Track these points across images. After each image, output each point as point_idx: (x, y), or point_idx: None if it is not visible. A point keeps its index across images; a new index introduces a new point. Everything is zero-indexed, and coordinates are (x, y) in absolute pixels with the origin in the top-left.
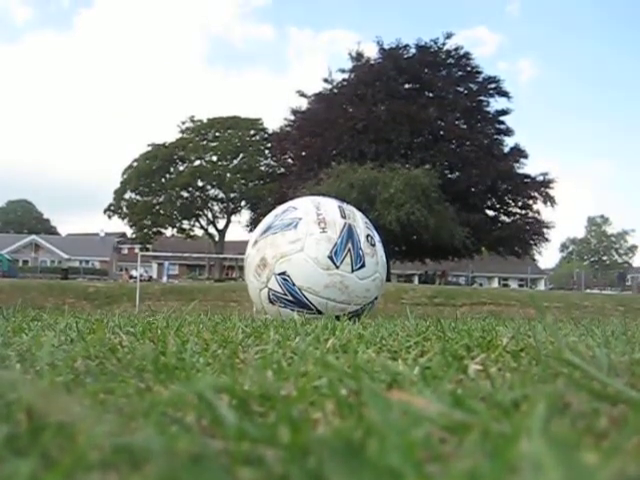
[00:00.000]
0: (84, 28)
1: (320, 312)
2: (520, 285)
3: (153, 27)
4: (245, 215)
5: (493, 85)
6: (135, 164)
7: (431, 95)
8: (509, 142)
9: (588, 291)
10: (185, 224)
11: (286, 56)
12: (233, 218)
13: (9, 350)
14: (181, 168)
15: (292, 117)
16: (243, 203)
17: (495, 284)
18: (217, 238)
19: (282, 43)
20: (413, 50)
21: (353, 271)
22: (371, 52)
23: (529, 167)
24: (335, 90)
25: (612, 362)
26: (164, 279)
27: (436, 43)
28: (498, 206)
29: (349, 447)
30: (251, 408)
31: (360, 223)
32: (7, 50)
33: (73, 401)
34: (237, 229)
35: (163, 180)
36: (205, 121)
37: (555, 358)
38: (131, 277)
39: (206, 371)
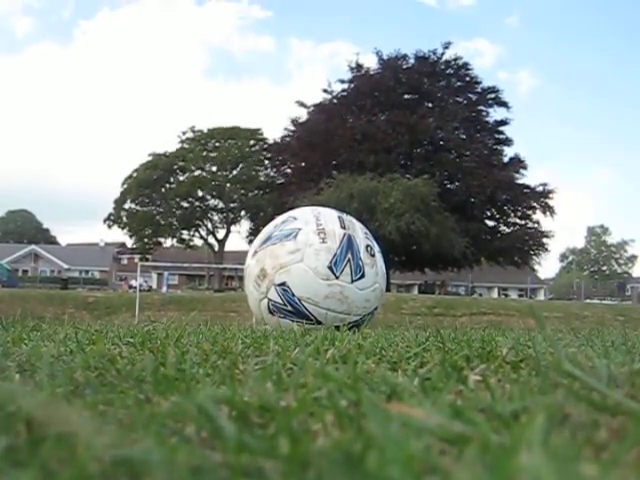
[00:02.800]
0: (85, 40)
1: (320, 322)
2: (520, 295)
3: (154, 39)
4: (245, 225)
5: (492, 95)
6: (135, 174)
7: (430, 105)
8: (509, 152)
9: (588, 301)
10: (185, 234)
11: (286, 67)
12: (233, 228)
13: (9, 361)
14: (181, 178)
15: (292, 127)
16: (243, 213)
17: (495, 294)
18: (217, 248)
19: (282, 54)
20: (412, 60)
21: (353, 282)
22: (371, 63)
23: (529, 177)
24: (335, 100)
25: (612, 373)
26: (164, 289)
27: (435, 53)
28: (498, 216)
29: (349, 459)
30: (251, 419)
31: (360, 233)
32: (7, 61)
33: (73, 412)
34: (237, 239)
35: (163, 190)
36: (205, 131)
37: (555, 369)
38: (131, 287)
39: (206, 382)
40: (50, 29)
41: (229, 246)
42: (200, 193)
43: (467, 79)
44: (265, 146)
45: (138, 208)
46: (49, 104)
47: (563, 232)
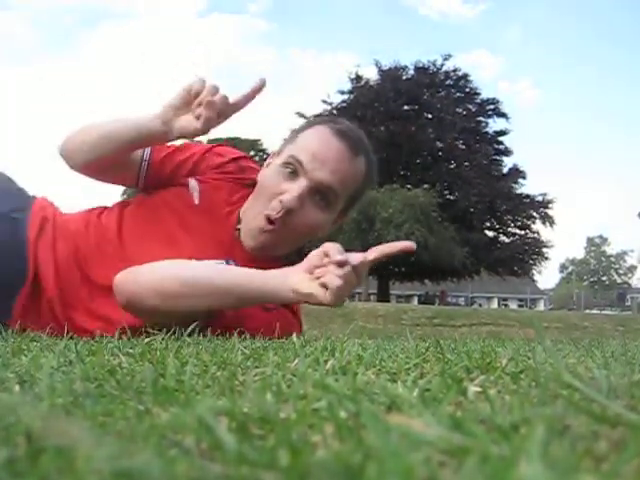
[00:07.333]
0: (86, 50)
1: None
2: (520, 305)
3: (155, 50)
4: None
5: (492, 106)
6: None
7: (430, 116)
8: (508, 162)
9: (587, 311)
10: None
11: (287, 77)
12: None
13: (8, 372)
14: None
15: None
16: None
17: (494, 305)
18: None
19: (283, 65)
20: (412, 71)
21: None
22: (370, 74)
23: (529, 187)
24: (335, 111)
25: (612, 384)
26: None
27: (434, 64)
28: (497, 226)
29: (348, 470)
30: (250, 431)
31: None
32: (10, 71)
33: (72, 424)
34: None
35: None
36: (205, 142)
37: (554, 380)
38: None
39: (205, 393)
40: (52, 39)
41: None
42: None
43: (467, 90)
44: (265, 156)
45: None
46: (51, 114)
47: (563, 243)
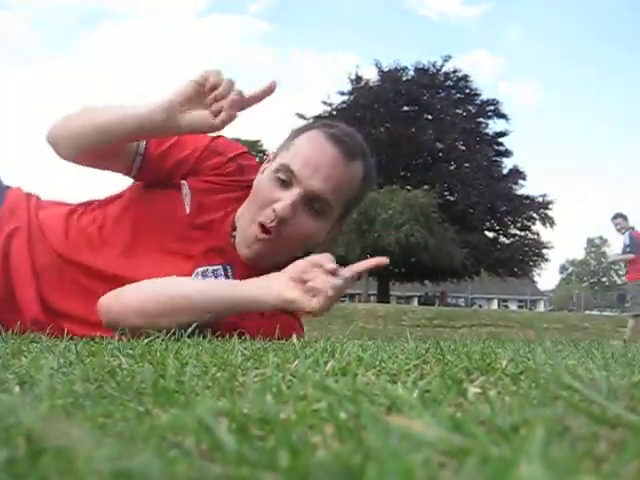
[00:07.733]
0: (86, 50)
1: None
2: (520, 307)
3: (155, 49)
4: None
5: (492, 107)
6: None
7: (430, 117)
8: (508, 163)
9: (587, 312)
10: None
11: (287, 78)
12: None
13: (8, 373)
14: None
15: None
16: None
17: (494, 306)
18: None
19: (284, 65)
20: (412, 72)
21: None
22: (370, 75)
23: (529, 188)
24: (334, 112)
25: (612, 385)
26: None
27: (434, 66)
28: (497, 227)
29: (348, 471)
30: (250, 432)
31: None
32: (10, 71)
33: (72, 425)
34: None
35: None
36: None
37: (554, 381)
38: None
39: (205, 394)
40: (52, 39)
41: None
42: None
43: (467, 91)
44: (265, 157)
45: None
46: (51, 114)
47: (563, 244)
